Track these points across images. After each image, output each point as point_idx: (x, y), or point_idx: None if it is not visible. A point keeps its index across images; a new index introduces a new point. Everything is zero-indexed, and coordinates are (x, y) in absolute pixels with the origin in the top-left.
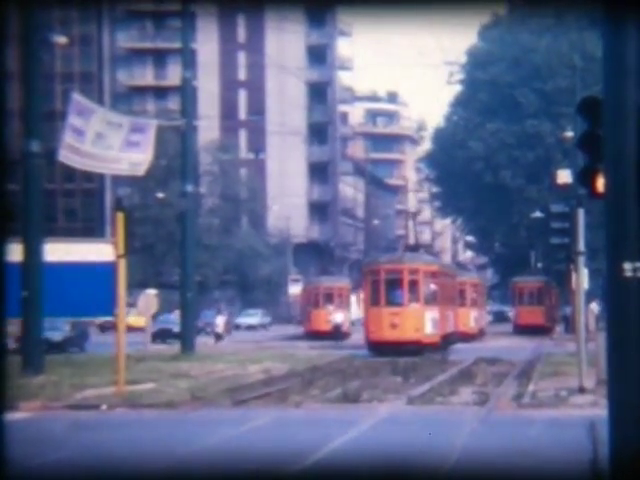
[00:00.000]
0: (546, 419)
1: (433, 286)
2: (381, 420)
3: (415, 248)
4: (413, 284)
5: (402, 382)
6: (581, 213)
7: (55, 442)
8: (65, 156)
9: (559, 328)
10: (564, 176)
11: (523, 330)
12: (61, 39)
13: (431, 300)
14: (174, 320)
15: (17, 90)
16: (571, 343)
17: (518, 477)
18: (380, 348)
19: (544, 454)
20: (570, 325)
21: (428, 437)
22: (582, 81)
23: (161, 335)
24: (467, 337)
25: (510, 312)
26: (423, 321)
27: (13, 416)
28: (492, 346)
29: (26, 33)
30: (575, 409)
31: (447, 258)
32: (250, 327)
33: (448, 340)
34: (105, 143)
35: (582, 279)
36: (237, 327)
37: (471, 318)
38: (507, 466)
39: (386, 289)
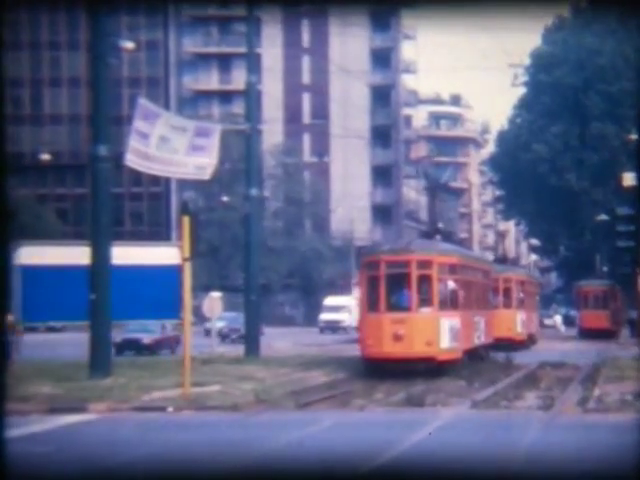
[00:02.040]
0: (611, 423)
1: (452, 284)
2: (445, 424)
3: (431, 235)
4: (424, 281)
5: (466, 386)
6: None
7: (123, 443)
8: (131, 160)
9: (625, 332)
10: (629, 179)
11: (588, 334)
12: (128, 44)
13: (450, 302)
14: (147, 328)
15: (85, 95)
16: (636, 347)
17: None
18: (380, 367)
19: (608, 458)
20: (636, 329)
21: (493, 441)
22: None
23: (126, 347)
24: (513, 344)
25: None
26: (438, 331)
27: (81, 418)
28: (557, 350)
29: (94, 39)
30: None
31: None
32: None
33: (477, 354)
34: (170, 147)
35: None
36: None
37: (517, 322)
38: (571, 470)
39: (387, 288)
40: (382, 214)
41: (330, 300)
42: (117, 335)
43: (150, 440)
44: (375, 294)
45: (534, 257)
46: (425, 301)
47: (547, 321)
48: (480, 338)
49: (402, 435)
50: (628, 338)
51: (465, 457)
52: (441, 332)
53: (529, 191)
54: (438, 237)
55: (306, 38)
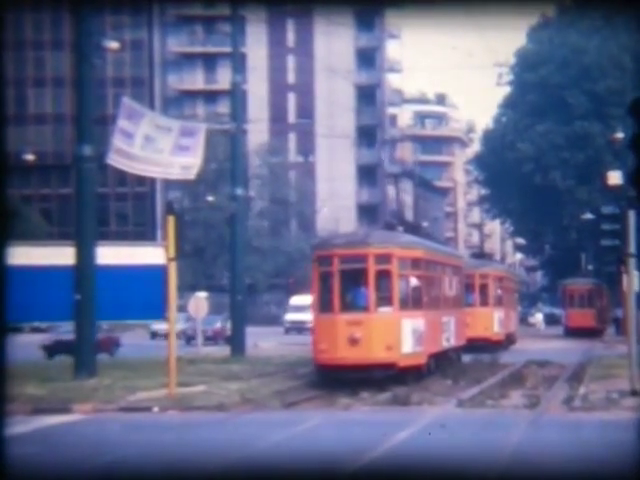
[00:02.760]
0: (597, 422)
1: (416, 280)
2: (430, 423)
3: (393, 226)
4: (383, 278)
5: (452, 385)
6: (632, 215)
7: (108, 444)
8: (114, 159)
9: (610, 330)
10: (615, 177)
11: (574, 333)
12: (113, 44)
13: (413, 301)
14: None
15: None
16: (622, 345)
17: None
18: (334, 374)
19: (594, 457)
20: (621, 327)
21: (479, 440)
22: (632, 82)
23: (56, 349)
24: (489, 345)
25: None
26: (399, 333)
27: (66, 418)
28: (542, 348)
29: (78, 39)
30: (627, 412)
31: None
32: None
33: (446, 357)
34: (155, 146)
35: (633, 281)
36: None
37: (495, 321)
38: (557, 469)
39: (342, 286)
40: (367, 213)
41: (295, 300)
42: (50, 337)
43: (136, 440)
44: (328, 293)
45: (520, 256)
46: (384, 300)
47: (530, 319)
48: (450, 340)
49: (388, 434)
50: (613, 337)
51: (451, 456)
52: (403, 335)
53: (514, 190)
54: (400, 229)
55: (291, 38)
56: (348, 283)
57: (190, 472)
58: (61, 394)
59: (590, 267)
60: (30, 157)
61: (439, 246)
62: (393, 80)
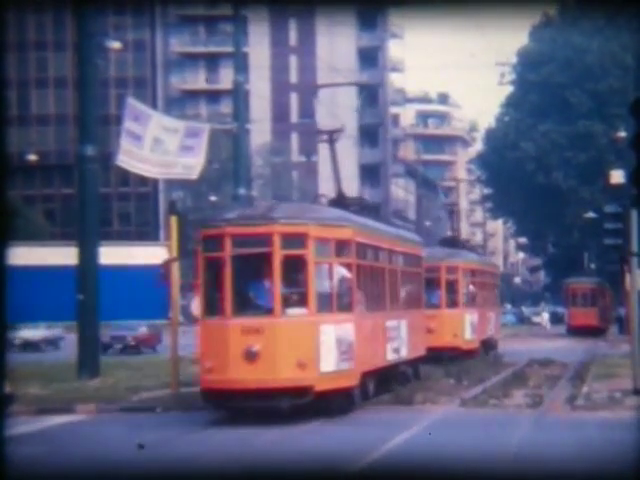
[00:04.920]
0: (600, 421)
1: (344, 271)
2: (434, 422)
3: (316, 199)
4: (295, 268)
5: (455, 384)
6: (634, 214)
7: (112, 444)
8: (123, 161)
9: (613, 329)
10: (617, 176)
11: (577, 332)
12: (115, 44)
13: (339, 300)
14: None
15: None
16: (625, 344)
17: (571, 479)
18: (225, 403)
19: (597, 456)
20: (624, 326)
21: (482, 439)
22: (634, 81)
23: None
24: (459, 354)
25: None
26: (316, 345)
27: (69, 419)
28: (545, 348)
29: (81, 39)
30: (630, 411)
31: (499, 259)
32: None
33: (394, 373)
34: (163, 148)
35: (636, 280)
36: None
37: (466, 325)
38: (561, 468)
39: (237, 279)
40: (371, 213)
41: None
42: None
43: (138, 440)
44: (217, 288)
45: (522, 255)
46: (296, 298)
47: (535, 319)
48: (400, 351)
49: (391, 434)
50: (616, 335)
51: (454, 456)
52: (322, 347)
53: (517, 189)
54: (323, 200)
55: (293, 37)
56: (245, 274)
57: (194, 471)
58: (64, 394)
59: (593, 266)
60: (33, 157)
61: (384, 226)
62: (395, 79)
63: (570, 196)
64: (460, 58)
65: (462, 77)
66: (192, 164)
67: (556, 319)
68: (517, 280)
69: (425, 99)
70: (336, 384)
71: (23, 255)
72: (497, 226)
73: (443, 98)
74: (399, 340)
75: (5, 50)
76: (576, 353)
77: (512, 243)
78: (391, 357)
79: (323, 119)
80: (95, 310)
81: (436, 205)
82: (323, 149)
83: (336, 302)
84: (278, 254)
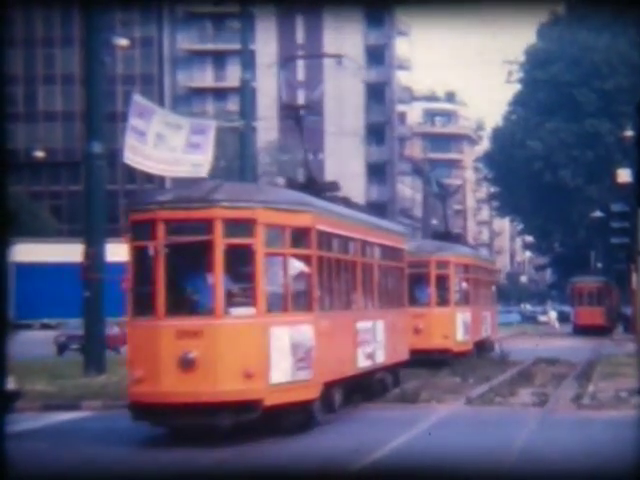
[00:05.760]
0: (606, 420)
1: (300, 265)
2: (440, 421)
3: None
4: (240, 259)
5: (461, 382)
6: None
7: (118, 440)
8: (129, 158)
9: (619, 328)
10: (624, 175)
11: (583, 330)
12: (122, 41)
13: (297, 298)
14: None
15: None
16: (631, 343)
17: (577, 478)
18: (158, 420)
19: (603, 455)
20: (630, 325)
21: (488, 438)
22: None
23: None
24: (449, 356)
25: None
26: (266, 351)
27: (75, 415)
28: (551, 346)
29: (88, 36)
30: (635, 410)
31: (505, 258)
32: None
33: (370, 381)
34: (167, 145)
35: None
36: None
37: (458, 326)
38: (566, 467)
39: (171, 272)
40: (377, 211)
41: None
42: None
43: (143, 437)
44: (147, 283)
45: (529, 254)
46: (242, 296)
47: (542, 318)
48: (374, 357)
49: (396, 432)
50: (622, 334)
51: (460, 454)
52: (273, 354)
53: (524, 188)
54: (280, 181)
55: (300, 35)
56: (181, 267)
57: (199, 468)
58: (70, 391)
59: (599, 265)
60: (40, 154)
61: (356, 213)
62: (402, 77)
63: (577, 195)
64: (467, 56)
65: (469, 75)
66: (200, 161)
67: (562, 318)
68: (523, 279)
69: (432, 97)
70: (291, 397)
71: (29, 252)
72: (504, 225)
73: (450, 96)
74: (374, 344)
75: (4, 47)
76: (582, 352)
77: (519, 242)
78: (364, 364)
79: (330, 117)
80: (101, 307)
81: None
82: (329, 147)
83: (291, 300)
84: (220, 243)
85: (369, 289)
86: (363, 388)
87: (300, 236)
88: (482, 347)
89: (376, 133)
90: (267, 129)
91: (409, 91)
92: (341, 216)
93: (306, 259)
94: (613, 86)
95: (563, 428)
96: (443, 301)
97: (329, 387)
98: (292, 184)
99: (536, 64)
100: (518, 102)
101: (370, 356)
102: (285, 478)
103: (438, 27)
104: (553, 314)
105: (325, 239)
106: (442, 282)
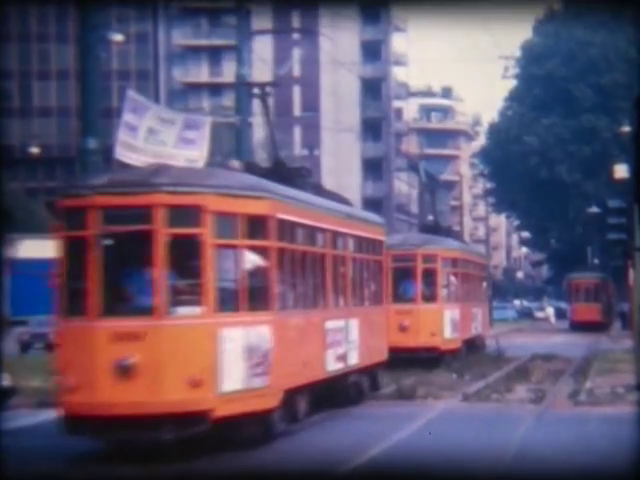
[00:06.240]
0: (603, 416)
1: (258, 258)
2: (436, 417)
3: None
4: (187, 252)
5: (457, 379)
6: (638, 208)
7: None
8: (120, 153)
9: (616, 325)
10: (621, 171)
11: (579, 327)
12: (118, 37)
13: (255, 296)
14: None
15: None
16: (628, 340)
17: (574, 475)
18: (95, 435)
19: (600, 452)
20: (627, 322)
21: (484, 435)
22: (639, 75)
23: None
24: (436, 355)
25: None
26: (215, 357)
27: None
28: (548, 343)
29: (83, 31)
30: (632, 406)
31: (501, 254)
32: None
33: (341, 388)
34: (157, 139)
35: (639, 275)
36: None
37: (445, 323)
38: (563, 463)
39: (107, 267)
40: (373, 207)
41: None
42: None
43: None
44: (80, 279)
45: (525, 250)
46: (189, 294)
47: (539, 314)
48: (347, 359)
49: (393, 428)
50: (619, 331)
51: (456, 451)
52: (224, 359)
53: (520, 184)
54: (236, 164)
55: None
56: (119, 261)
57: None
58: None
59: (596, 261)
60: (35, 150)
61: (326, 201)
62: (399, 73)
63: (573, 190)
64: (463, 52)
65: (465, 71)
66: (195, 157)
67: (559, 314)
68: (520, 275)
69: (428, 93)
70: (245, 407)
71: (25, 248)
72: (500, 220)
73: (446, 92)
74: (347, 344)
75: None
76: (579, 348)
77: (515, 237)
78: (334, 367)
79: (326, 112)
80: None
81: (439, 199)
82: (326, 143)
83: (246, 298)
84: (162, 233)
85: (341, 285)
86: (335, 393)
87: (257, 226)
88: (472, 345)
89: (372, 129)
90: (263, 125)
91: (405, 87)
92: (307, 204)
93: (264, 251)
94: (610, 81)
95: (560, 424)
96: (430, 297)
97: (292, 394)
98: (253, 168)
99: (532, 59)
100: (514, 97)
101: (342, 358)
102: (286, 474)
103: (434, 23)
104: (550, 310)
105: (287, 229)
106: (429, 277)
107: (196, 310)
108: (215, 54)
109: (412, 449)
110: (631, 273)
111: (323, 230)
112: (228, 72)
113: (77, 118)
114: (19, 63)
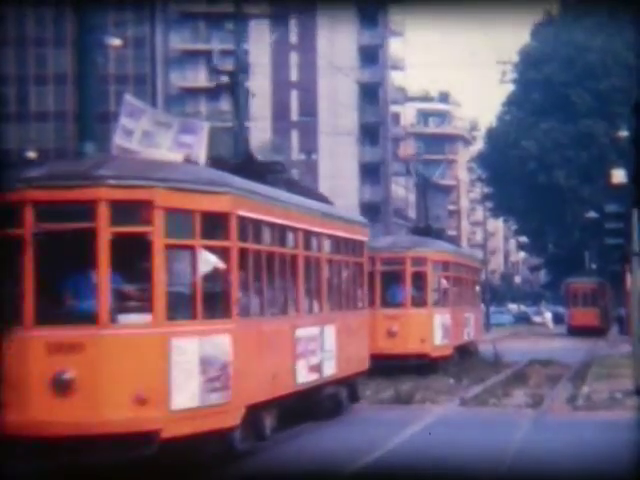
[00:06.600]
0: (601, 422)
1: (214, 259)
2: (434, 422)
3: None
4: (135, 255)
5: (455, 383)
6: (636, 213)
7: None
8: None
9: (614, 330)
10: (619, 176)
11: (577, 332)
12: (115, 41)
13: (211, 303)
14: None
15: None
16: (626, 345)
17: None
18: (26, 455)
19: (597, 457)
20: (625, 326)
21: (482, 439)
22: (637, 80)
23: None
24: (426, 362)
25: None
26: (164, 371)
27: None
28: (546, 348)
29: (80, 35)
30: (630, 411)
31: (499, 259)
32: None
33: (315, 400)
34: (152, 141)
35: (637, 280)
36: None
37: (435, 328)
38: (561, 468)
39: (42, 271)
40: (370, 212)
41: None
42: None
43: None
44: (12, 282)
45: (523, 254)
46: (136, 299)
47: (536, 319)
48: (322, 369)
49: (391, 433)
50: (617, 336)
51: (454, 455)
52: (175, 373)
53: (518, 188)
54: (182, 152)
55: (294, 35)
56: (57, 262)
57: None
58: None
59: (594, 266)
60: (32, 154)
61: (300, 199)
62: (396, 78)
63: (571, 195)
64: (461, 57)
65: (463, 76)
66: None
67: (556, 319)
68: (517, 279)
69: (426, 98)
70: (199, 425)
71: None
72: (498, 225)
73: (444, 97)
74: (321, 353)
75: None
76: (577, 353)
77: (513, 242)
78: (306, 378)
79: (324, 117)
80: None
81: (436, 204)
82: (323, 147)
83: (202, 305)
84: (105, 231)
85: (316, 289)
86: (309, 406)
87: (215, 224)
88: (465, 351)
89: (370, 133)
90: (260, 129)
91: (403, 91)
92: (275, 201)
93: (224, 252)
94: (607, 86)
95: (557, 429)
96: (420, 301)
97: (256, 410)
98: (221, 163)
99: (530, 64)
100: (512, 102)
101: (316, 369)
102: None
103: (432, 27)
104: (548, 315)
105: (251, 228)
106: (419, 281)
107: (144, 318)
108: (212, 58)
109: (409, 454)
110: (629, 278)
111: (294, 229)
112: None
113: (74, 122)
114: (16, 67)
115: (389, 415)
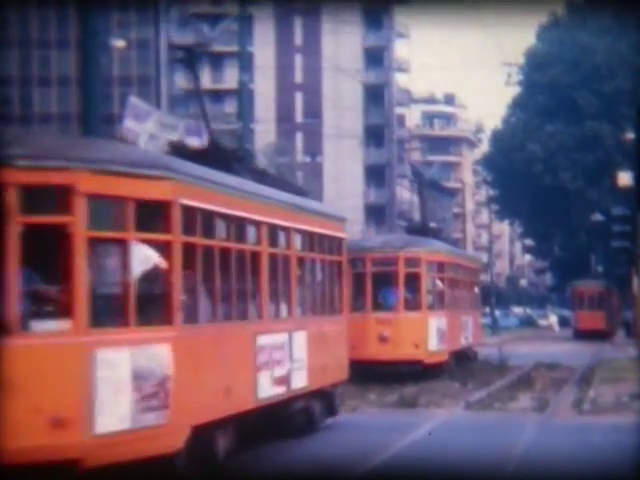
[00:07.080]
0: (606, 425)
1: (151, 256)
2: (439, 425)
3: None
4: (50, 249)
5: (460, 387)
6: None
7: None
8: None
9: (620, 333)
10: (625, 178)
11: (583, 335)
12: (119, 43)
13: (147, 307)
14: None
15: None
16: (632, 348)
17: None
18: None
19: (603, 461)
20: (631, 330)
21: (487, 443)
22: None
23: None
24: (420, 369)
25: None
26: (85, 389)
27: None
28: (552, 351)
29: (84, 37)
30: (636, 415)
31: (505, 261)
32: None
33: (272, 419)
34: (157, 144)
35: None
36: None
37: (430, 333)
38: (566, 472)
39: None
40: (375, 214)
41: None
42: None
43: None
44: None
45: (528, 257)
46: (53, 303)
47: (542, 322)
48: (290, 382)
49: (395, 437)
50: (623, 339)
51: (459, 459)
52: (100, 390)
53: (523, 191)
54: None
55: (299, 36)
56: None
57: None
58: None
59: (600, 269)
60: None
61: (264, 188)
62: (401, 80)
63: (577, 198)
64: (466, 59)
65: (468, 78)
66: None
67: (562, 322)
68: (523, 282)
69: (431, 100)
70: (131, 451)
71: None
72: (503, 228)
73: (449, 99)
74: (290, 364)
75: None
76: (582, 356)
77: (518, 245)
78: (270, 392)
79: (329, 119)
80: None
81: (442, 207)
82: (328, 149)
83: (135, 309)
84: (15, 221)
85: (283, 290)
86: (277, 423)
87: (153, 214)
88: (462, 357)
89: (375, 135)
90: (265, 131)
91: (408, 93)
92: (230, 189)
93: (164, 248)
94: (613, 89)
95: (563, 433)
96: (413, 305)
97: (204, 431)
98: (180, 149)
99: (536, 66)
100: (518, 105)
101: (283, 381)
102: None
103: (437, 29)
104: (554, 318)
105: (199, 220)
106: (412, 282)
107: (62, 324)
108: (217, 60)
109: (413, 458)
110: (635, 281)
111: (257, 223)
112: (230, 78)
113: (78, 124)
114: (19, 69)
115: (394, 418)
